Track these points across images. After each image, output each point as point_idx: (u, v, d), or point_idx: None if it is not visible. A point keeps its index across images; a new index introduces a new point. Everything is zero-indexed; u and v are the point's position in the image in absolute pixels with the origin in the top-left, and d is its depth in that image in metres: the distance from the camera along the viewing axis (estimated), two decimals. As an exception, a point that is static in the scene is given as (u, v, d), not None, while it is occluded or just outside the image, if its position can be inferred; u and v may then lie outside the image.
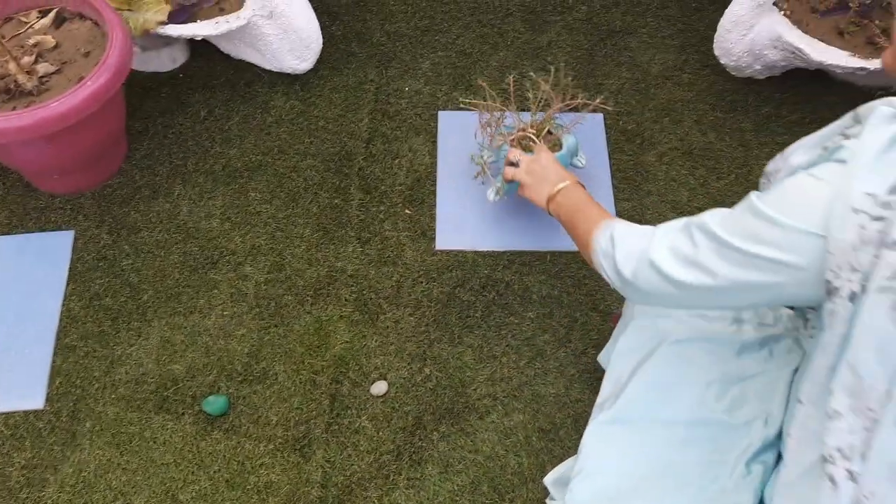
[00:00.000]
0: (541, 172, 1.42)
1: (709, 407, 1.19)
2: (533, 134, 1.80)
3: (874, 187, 0.81)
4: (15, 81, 1.65)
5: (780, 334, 1.23)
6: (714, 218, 0.96)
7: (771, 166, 1.07)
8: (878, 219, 0.80)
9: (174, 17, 1.90)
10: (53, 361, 1.63)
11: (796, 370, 1.20)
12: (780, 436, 1.18)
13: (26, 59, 1.70)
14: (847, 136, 0.88)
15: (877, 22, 1.82)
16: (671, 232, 1.01)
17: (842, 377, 0.86)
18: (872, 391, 0.84)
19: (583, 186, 1.36)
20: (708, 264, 0.94)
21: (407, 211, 1.89)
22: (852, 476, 0.87)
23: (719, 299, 0.97)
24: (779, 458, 1.17)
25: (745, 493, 1.14)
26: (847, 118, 0.92)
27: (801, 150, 0.99)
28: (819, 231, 0.85)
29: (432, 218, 1.87)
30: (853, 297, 0.83)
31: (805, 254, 0.86)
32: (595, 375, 1.61)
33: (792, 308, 1.27)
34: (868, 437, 0.85)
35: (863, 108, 0.89)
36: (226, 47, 2.12)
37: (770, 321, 1.25)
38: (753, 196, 0.92)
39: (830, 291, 0.85)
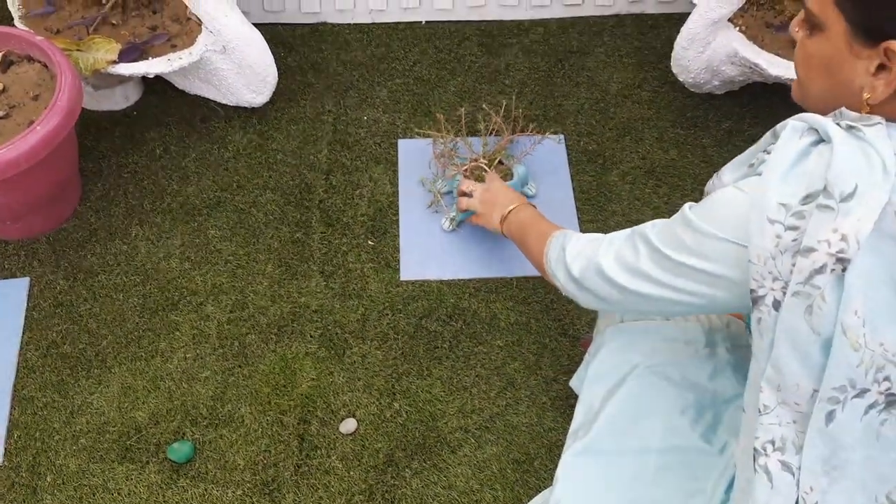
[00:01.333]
0: (492, 199, 1.54)
1: (683, 434, 1.18)
2: (485, 164, 1.79)
3: (787, 198, 0.84)
4: (-39, 128, 1.61)
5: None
6: (654, 228, 1.01)
7: (708, 185, 1.10)
8: (792, 228, 0.84)
9: (125, 56, 1.87)
10: (11, 414, 1.58)
11: None
12: None
13: (-28, 105, 1.66)
14: (768, 152, 0.91)
15: (829, 35, 1.83)
16: (617, 240, 1.06)
17: (767, 374, 0.89)
18: (798, 389, 0.87)
19: (533, 206, 1.39)
20: (647, 271, 0.99)
21: (370, 242, 1.86)
22: (788, 467, 0.89)
23: (659, 305, 1.01)
24: None
25: None
26: (769, 135, 0.95)
27: (731, 168, 1.03)
28: (741, 241, 0.89)
29: (396, 248, 1.85)
30: (777, 305, 0.86)
31: (730, 263, 0.91)
32: (567, 402, 1.59)
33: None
34: (798, 430, 0.88)
35: (779, 125, 0.92)
36: (180, 83, 2.09)
37: (745, 342, 1.24)
38: (686, 207, 0.96)
39: (755, 300, 0.88)
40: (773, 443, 0.90)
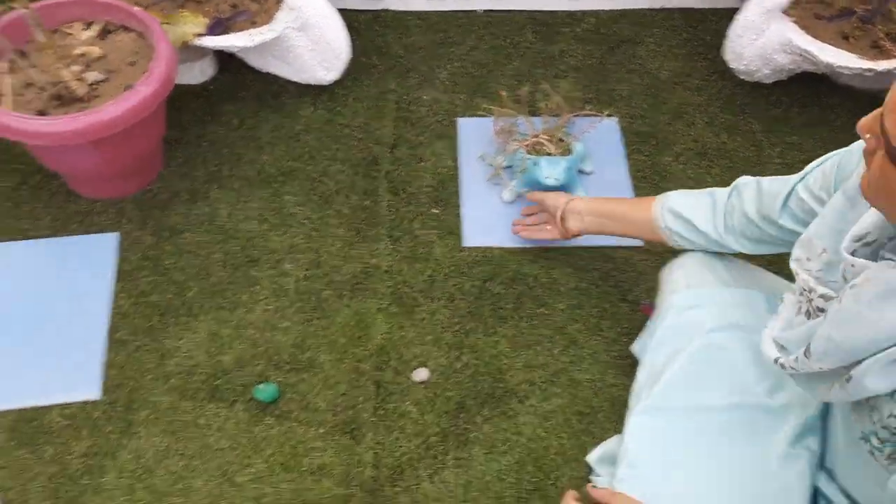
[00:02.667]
0: None
1: (749, 391, 1.23)
2: (546, 139, 1.90)
3: None
4: (67, 88, 1.73)
5: None
6: None
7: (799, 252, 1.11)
8: None
9: (210, 30, 1.99)
10: (107, 355, 1.69)
11: None
12: (820, 419, 1.22)
13: (75, 68, 1.78)
14: None
15: (879, 27, 1.94)
16: None
17: None
18: None
19: None
20: None
21: (434, 210, 1.97)
22: None
23: None
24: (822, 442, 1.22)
25: (791, 475, 1.17)
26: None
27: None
28: None
29: (458, 217, 1.95)
30: None
31: None
32: (628, 362, 1.68)
33: None
34: None
35: None
36: (254, 61, 2.20)
37: None
38: None
39: None
40: None
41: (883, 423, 0.93)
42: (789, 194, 1.21)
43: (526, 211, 1.88)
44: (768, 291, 1.35)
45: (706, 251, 1.42)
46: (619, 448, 1.50)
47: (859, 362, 0.90)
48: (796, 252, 1.08)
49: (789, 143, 2.05)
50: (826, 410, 1.23)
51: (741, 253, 1.39)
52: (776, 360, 1.05)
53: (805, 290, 1.02)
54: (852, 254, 0.94)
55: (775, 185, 1.26)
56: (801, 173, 1.19)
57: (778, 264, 1.43)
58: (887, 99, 0.82)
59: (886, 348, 0.87)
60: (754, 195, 1.30)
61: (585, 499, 1.22)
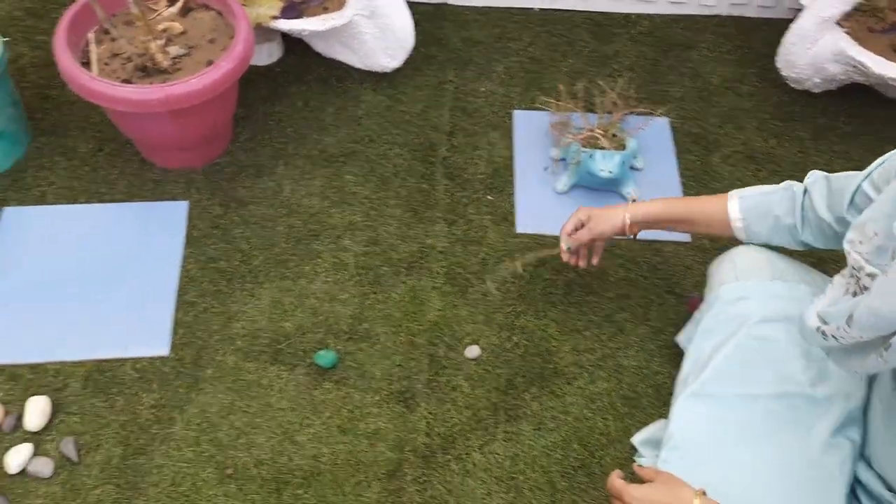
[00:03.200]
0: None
1: (794, 380, 1.28)
2: (600, 134, 1.97)
3: None
4: (152, 59, 1.82)
5: None
6: None
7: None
8: None
9: (284, 13, 2.07)
10: (176, 315, 1.78)
11: None
12: (862, 411, 1.27)
13: (159, 42, 1.87)
14: None
15: (930, 41, 2.00)
16: None
17: None
18: None
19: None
20: None
21: (489, 197, 2.05)
22: None
23: None
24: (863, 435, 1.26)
25: (832, 464, 1.22)
26: None
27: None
28: None
29: (512, 204, 2.03)
30: None
31: None
32: (673, 351, 1.75)
33: None
34: None
35: None
36: (319, 45, 2.29)
37: None
38: None
39: None
40: None
41: None
42: (856, 191, 1.25)
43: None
44: (814, 286, 1.40)
45: (757, 245, 1.48)
46: (663, 432, 1.57)
47: None
48: (850, 235, 1.13)
49: (836, 152, 2.11)
50: (867, 402, 1.29)
51: (795, 253, 1.44)
52: (818, 329, 1.10)
53: (855, 269, 1.08)
54: None
55: (842, 181, 1.30)
56: (866, 170, 1.24)
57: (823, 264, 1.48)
58: None
59: None
60: (824, 192, 1.34)
61: (631, 478, 1.27)
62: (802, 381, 1.29)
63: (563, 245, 1.65)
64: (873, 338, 1.00)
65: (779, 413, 1.27)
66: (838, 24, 2.04)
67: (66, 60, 1.77)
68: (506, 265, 1.89)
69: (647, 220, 1.55)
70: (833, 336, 1.06)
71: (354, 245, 1.93)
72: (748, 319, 1.35)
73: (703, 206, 1.51)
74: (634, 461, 1.56)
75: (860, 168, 1.25)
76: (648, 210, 1.54)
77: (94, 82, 1.73)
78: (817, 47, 2.03)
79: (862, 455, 1.27)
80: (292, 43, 2.32)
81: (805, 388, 1.28)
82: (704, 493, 1.13)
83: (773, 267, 1.43)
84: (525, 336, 1.79)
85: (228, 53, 1.81)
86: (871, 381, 1.29)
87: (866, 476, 1.25)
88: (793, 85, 2.19)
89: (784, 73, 2.15)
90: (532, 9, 2.55)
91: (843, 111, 2.21)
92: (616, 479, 1.23)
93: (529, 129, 2.20)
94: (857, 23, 2.08)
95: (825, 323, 1.08)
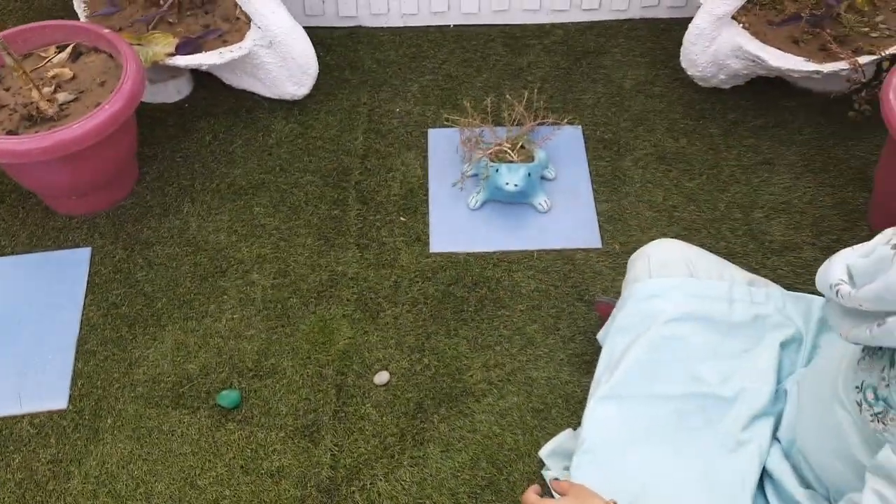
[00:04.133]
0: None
1: (703, 380, 1.26)
2: (508, 147, 1.96)
3: None
4: (37, 108, 1.79)
5: (769, 313, 1.30)
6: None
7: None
8: None
9: (181, 49, 2.05)
10: (75, 365, 1.74)
11: (783, 344, 1.27)
12: (771, 405, 1.24)
13: (46, 89, 1.84)
14: None
15: (828, 31, 1.98)
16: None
17: None
18: None
19: None
20: None
21: (402, 218, 2.02)
22: None
23: None
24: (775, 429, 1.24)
25: (742, 459, 1.20)
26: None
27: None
28: None
29: (425, 224, 2.00)
30: None
31: None
32: (583, 359, 1.72)
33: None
34: None
35: None
36: (228, 78, 2.27)
37: (761, 299, 1.32)
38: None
39: None
40: None
41: (893, 377, 0.95)
42: None
43: None
44: (731, 282, 1.36)
45: (673, 240, 1.45)
46: (571, 442, 1.54)
47: None
48: None
49: (746, 146, 2.09)
50: (778, 396, 1.26)
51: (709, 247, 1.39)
52: (833, 286, 1.04)
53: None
54: None
55: None
56: None
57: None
58: None
59: None
60: None
61: (546, 493, 1.23)
62: (711, 381, 1.27)
63: None
64: (873, 310, 0.97)
65: (688, 413, 1.25)
66: (735, 19, 2.02)
67: (-52, 115, 1.75)
68: None
69: None
70: (842, 297, 1.02)
71: (263, 279, 1.90)
72: (659, 318, 1.33)
73: None
74: (542, 475, 1.53)
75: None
76: None
77: (-27, 135, 1.70)
78: (716, 44, 2.02)
79: (780, 443, 1.25)
80: (202, 77, 2.30)
81: (714, 388, 1.26)
82: None
83: (688, 264, 1.41)
84: (436, 356, 1.76)
85: (115, 95, 1.79)
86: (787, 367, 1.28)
87: (780, 469, 1.22)
88: (700, 83, 2.18)
89: (689, 72, 2.13)
90: (447, 26, 2.54)
91: (752, 105, 2.20)
92: (531, 494, 1.20)
93: (444, 147, 2.18)
94: (756, 17, 2.07)
95: (849, 279, 1.03)
